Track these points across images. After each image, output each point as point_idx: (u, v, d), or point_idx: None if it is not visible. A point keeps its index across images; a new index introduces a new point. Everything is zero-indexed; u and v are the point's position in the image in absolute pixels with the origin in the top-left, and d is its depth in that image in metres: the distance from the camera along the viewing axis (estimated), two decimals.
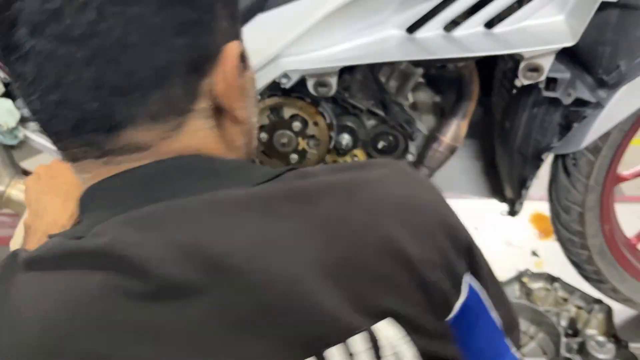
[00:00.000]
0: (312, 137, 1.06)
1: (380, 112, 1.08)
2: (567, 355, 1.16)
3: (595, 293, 1.26)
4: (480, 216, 1.57)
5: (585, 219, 1.15)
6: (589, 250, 1.18)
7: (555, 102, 0.94)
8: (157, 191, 0.45)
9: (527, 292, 1.31)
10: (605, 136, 1.04)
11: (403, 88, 1.09)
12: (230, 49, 0.47)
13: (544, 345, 1.24)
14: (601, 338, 1.15)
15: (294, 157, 1.08)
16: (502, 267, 1.34)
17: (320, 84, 0.94)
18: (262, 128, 1.06)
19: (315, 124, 1.05)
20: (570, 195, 1.13)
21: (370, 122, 1.11)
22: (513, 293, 1.31)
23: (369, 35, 0.88)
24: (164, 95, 0.44)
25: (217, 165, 0.48)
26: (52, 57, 0.43)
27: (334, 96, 1.07)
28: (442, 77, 1.14)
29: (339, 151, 1.15)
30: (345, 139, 1.10)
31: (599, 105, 0.91)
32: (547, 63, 0.84)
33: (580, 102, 0.90)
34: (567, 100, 0.90)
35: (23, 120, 1.12)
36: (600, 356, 1.13)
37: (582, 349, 1.16)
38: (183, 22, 0.44)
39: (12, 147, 1.15)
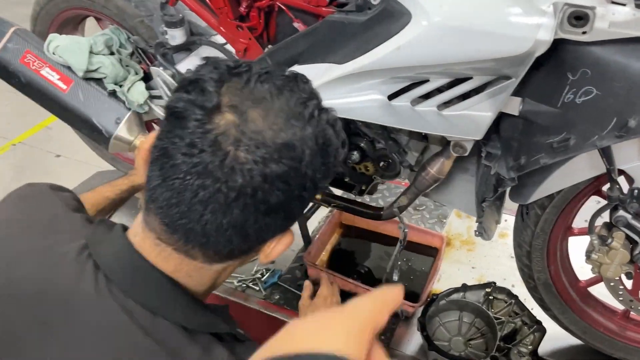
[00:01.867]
0: None
1: (381, 141, 1.44)
2: (496, 354, 1.48)
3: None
4: None
5: (532, 257, 1.42)
6: (534, 281, 1.46)
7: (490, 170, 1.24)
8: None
9: (490, 300, 1.62)
10: (550, 198, 1.30)
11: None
12: (288, 238, 0.75)
13: (487, 343, 1.57)
14: (524, 350, 1.46)
15: None
16: None
17: None
18: None
19: None
20: (521, 236, 1.41)
21: (377, 144, 1.48)
22: (479, 297, 1.63)
23: (360, 96, 1.24)
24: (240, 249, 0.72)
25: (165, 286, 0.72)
26: (201, 188, 0.64)
27: (350, 123, 1.45)
28: None
29: (352, 162, 1.54)
30: (355, 155, 1.48)
31: (513, 180, 1.19)
32: (469, 145, 1.14)
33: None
34: (493, 171, 1.20)
35: (150, 97, 1.66)
36: None
37: (507, 355, 1.47)
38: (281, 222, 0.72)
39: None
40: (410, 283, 1.80)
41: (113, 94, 1.63)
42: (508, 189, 1.37)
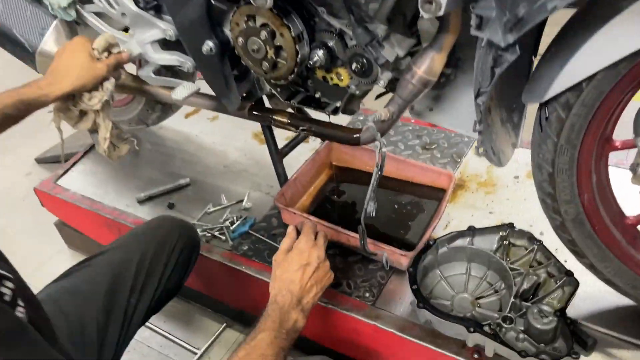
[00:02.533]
0: (280, 47, 1.12)
1: (349, 32, 1.09)
2: (510, 314, 1.12)
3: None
4: None
5: (556, 181, 1.04)
6: (561, 216, 1.08)
7: (489, 46, 0.86)
8: None
9: (505, 247, 1.24)
10: (577, 92, 0.92)
11: (380, 11, 1.06)
12: None
13: (502, 301, 1.20)
14: (548, 309, 1.08)
15: (265, 65, 1.16)
16: None
17: None
18: (239, 33, 1.15)
19: (282, 35, 1.10)
20: (541, 152, 1.03)
21: (348, 40, 1.13)
22: (491, 243, 1.26)
23: None
24: None
25: None
26: None
27: (311, 11, 1.11)
28: None
29: (319, 66, 1.19)
30: (318, 55, 1.14)
31: (512, 50, 0.81)
32: None
33: (499, 47, 0.82)
34: (486, 48, 0.82)
35: (75, 2, 1.37)
36: (537, 325, 1.07)
37: (525, 314, 1.10)
38: None
39: (77, 24, 1.41)
40: (406, 231, 1.45)
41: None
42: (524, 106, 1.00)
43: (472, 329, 1.09)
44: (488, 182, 1.60)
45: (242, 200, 1.64)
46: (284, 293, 1.07)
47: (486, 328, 1.10)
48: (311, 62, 1.14)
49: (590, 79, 0.89)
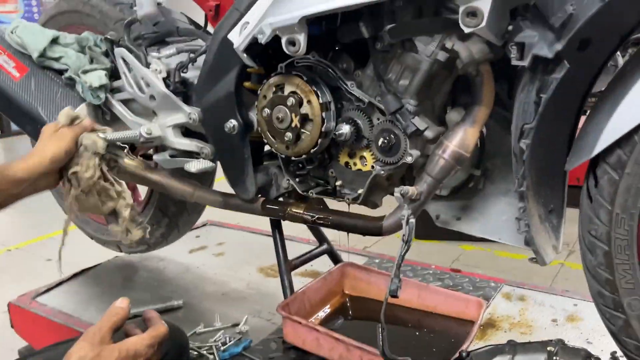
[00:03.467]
0: (306, 116, 1.09)
1: (380, 105, 1.06)
2: None
3: None
4: None
5: (615, 262, 0.89)
6: (624, 311, 0.90)
7: (532, 78, 0.82)
8: None
9: None
10: (630, 146, 0.84)
11: (410, 85, 1.05)
12: None
13: None
14: None
15: (289, 135, 1.11)
16: None
17: (290, 41, 0.99)
18: (266, 104, 1.13)
19: (309, 102, 1.08)
20: (593, 229, 0.90)
21: (375, 119, 1.09)
22: None
23: None
24: None
25: None
26: None
27: (340, 86, 1.10)
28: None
29: (344, 146, 1.14)
30: (345, 130, 1.09)
31: (560, 63, 0.76)
32: (485, 6, 0.76)
33: (545, 67, 0.77)
34: (528, 63, 0.77)
35: (112, 91, 1.39)
36: None
37: None
38: None
39: (100, 109, 1.42)
40: None
41: (70, 83, 1.39)
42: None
43: None
44: (522, 323, 1.40)
45: (238, 324, 1.43)
46: None
47: None
48: (336, 134, 1.09)
49: None
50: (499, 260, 2.63)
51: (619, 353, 1.22)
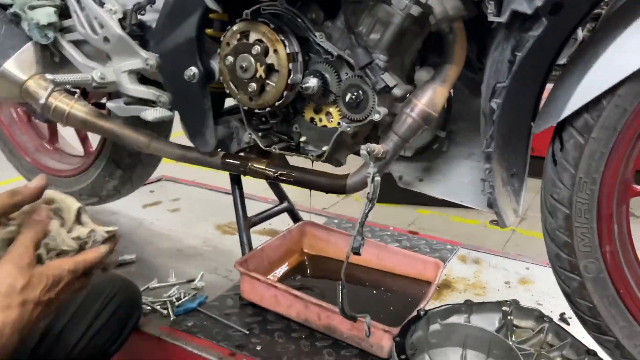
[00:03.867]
0: (271, 66, 1.04)
1: (349, 59, 1.03)
2: None
3: None
4: None
5: (574, 226, 0.90)
6: (579, 274, 0.92)
7: (507, 36, 0.80)
8: None
9: (509, 327, 1.04)
10: (597, 111, 0.84)
11: (380, 42, 1.02)
12: None
13: None
14: None
15: (253, 86, 1.06)
16: None
17: None
18: (229, 52, 1.07)
19: (276, 51, 1.03)
20: (554, 191, 0.91)
21: (343, 73, 1.06)
22: (492, 323, 1.05)
23: None
24: None
25: None
26: None
27: (308, 37, 1.06)
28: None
29: (310, 100, 1.10)
30: (312, 83, 1.05)
31: (539, 21, 0.74)
32: None
33: (522, 25, 0.75)
34: (506, 18, 0.75)
35: (62, 30, 1.29)
36: None
37: None
38: None
39: (48, 50, 1.31)
40: (386, 318, 1.22)
41: (15, 19, 1.28)
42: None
43: None
44: (477, 285, 1.43)
45: (193, 280, 1.40)
46: None
47: None
48: (303, 87, 1.05)
49: (612, 92, 0.82)
50: (453, 225, 2.68)
51: (568, 314, 1.26)
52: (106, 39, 1.20)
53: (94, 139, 1.64)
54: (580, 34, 1.18)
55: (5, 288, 0.72)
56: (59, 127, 1.84)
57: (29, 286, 0.73)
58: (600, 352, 0.96)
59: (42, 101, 1.21)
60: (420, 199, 2.99)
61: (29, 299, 0.73)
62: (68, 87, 1.30)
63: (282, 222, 1.67)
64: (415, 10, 0.96)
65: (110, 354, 1.07)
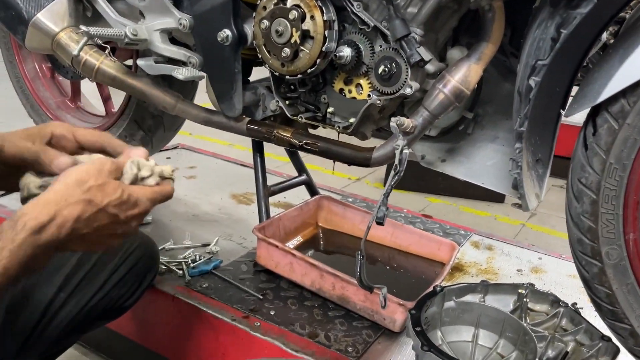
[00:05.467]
0: (307, 32, 1.04)
1: (385, 31, 1.02)
2: None
3: None
4: None
5: (600, 212, 0.90)
6: (601, 259, 0.92)
7: (553, 13, 0.80)
8: None
9: (524, 309, 1.04)
10: (635, 96, 0.83)
11: (418, 13, 1.01)
12: None
13: None
14: None
15: (287, 51, 1.06)
16: None
17: None
18: (265, 16, 1.07)
19: (312, 17, 1.03)
20: (584, 176, 0.91)
21: (378, 45, 1.06)
22: (506, 304, 1.05)
23: None
24: None
25: None
26: None
27: (345, 5, 1.05)
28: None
29: (341, 71, 1.10)
30: (346, 52, 1.05)
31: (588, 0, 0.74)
32: None
33: (570, 1, 0.75)
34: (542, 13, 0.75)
35: None
36: None
37: None
38: None
39: (81, 3, 1.31)
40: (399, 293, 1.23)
41: None
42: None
43: None
44: (489, 270, 1.43)
45: (208, 244, 1.41)
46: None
47: None
48: (336, 56, 1.05)
49: None
50: (463, 215, 2.68)
51: (579, 305, 1.27)
52: None
53: (116, 100, 1.65)
54: (605, 36, 1.17)
55: (73, 180, 0.67)
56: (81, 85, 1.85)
57: (100, 188, 0.68)
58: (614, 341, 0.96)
59: (74, 53, 1.21)
60: (430, 186, 3.02)
61: (95, 200, 0.67)
62: (99, 42, 1.29)
63: (296, 197, 1.69)
64: None
65: (125, 308, 1.09)
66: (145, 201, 0.73)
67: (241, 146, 3.11)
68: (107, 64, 1.27)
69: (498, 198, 2.79)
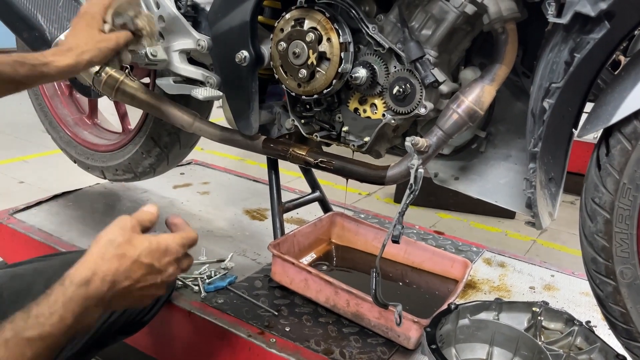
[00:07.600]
0: (323, 54, 1.06)
1: (400, 52, 1.05)
2: None
3: None
4: None
5: (614, 231, 0.91)
6: (615, 278, 0.93)
7: (566, 37, 0.81)
8: None
9: (538, 328, 1.05)
10: None
11: (432, 35, 1.04)
12: None
13: None
14: None
15: (303, 72, 1.09)
16: None
17: None
18: (283, 37, 1.10)
19: (329, 40, 1.05)
20: (597, 196, 0.92)
21: (392, 66, 1.08)
22: (521, 322, 1.06)
23: None
24: None
25: None
26: None
27: (360, 28, 1.08)
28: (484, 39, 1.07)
29: (356, 91, 1.12)
30: (361, 73, 1.07)
31: (601, 23, 0.76)
32: None
33: (583, 27, 0.77)
34: (567, 20, 0.77)
35: None
36: None
37: None
38: None
39: None
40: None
41: None
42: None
43: None
44: (502, 288, 1.44)
45: (223, 260, 1.43)
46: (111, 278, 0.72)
47: None
48: (352, 77, 1.07)
49: None
50: (474, 230, 2.68)
51: (593, 323, 1.27)
52: (161, 18, 1.24)
53: (133, 118, 1.68)
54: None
55: (104, 241, 0.73)
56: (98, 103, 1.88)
57: (129, 242, 0.73)
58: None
59: (96, 71, 1.25)
60: (440, 202, 3.03)
61: (127, 253, 0.72)
62: None
63: (308, 212, 1.70)
64: (470, 9, 0.98)
65: (144, 323, 1.11)
66: (175, 246, 0.78)
67: (252, 161, 3.13)
68: (127, 84, 1.30)
69: (509, 214, 2.79)
